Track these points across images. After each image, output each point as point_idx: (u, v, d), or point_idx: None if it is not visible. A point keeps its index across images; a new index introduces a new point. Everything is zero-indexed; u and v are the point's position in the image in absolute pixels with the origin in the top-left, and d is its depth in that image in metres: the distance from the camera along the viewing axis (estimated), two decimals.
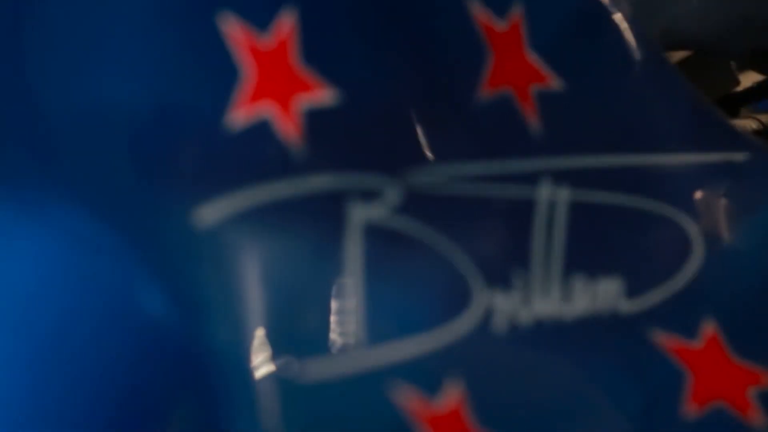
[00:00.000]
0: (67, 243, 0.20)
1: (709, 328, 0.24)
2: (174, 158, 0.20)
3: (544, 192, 0.23)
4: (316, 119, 0.21)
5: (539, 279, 0.23)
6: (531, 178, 0.23)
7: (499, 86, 0.24)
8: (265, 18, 0.21)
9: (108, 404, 0.19)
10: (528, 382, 0.22)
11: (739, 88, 0.48)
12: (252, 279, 0.20)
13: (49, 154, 0.20)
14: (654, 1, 0.37)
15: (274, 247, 0.20)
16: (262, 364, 0.20)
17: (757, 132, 0.47)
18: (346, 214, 0.21)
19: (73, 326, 0.19)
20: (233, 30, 0.21)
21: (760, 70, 0.47)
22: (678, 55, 0.42)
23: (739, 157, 0.26)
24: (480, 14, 0.24)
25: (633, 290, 0.23)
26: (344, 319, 0.20)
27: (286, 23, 0.21)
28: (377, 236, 0.21)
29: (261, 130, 0.20)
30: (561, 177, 0.24)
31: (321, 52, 0.21)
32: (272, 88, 0.21)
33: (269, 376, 0.20)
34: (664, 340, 0.23)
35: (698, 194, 0.25)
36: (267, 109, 0.21)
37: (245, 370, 0.20)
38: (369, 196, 0.21)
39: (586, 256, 0.23)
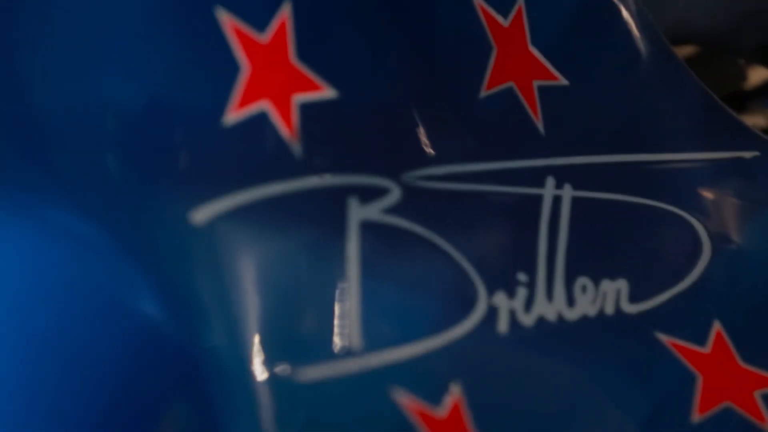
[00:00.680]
0: (61, 243, 0.19)
1: (717, 330, 0.23)
2: (169, 157, 0.20)
3: (549, 191, 0.23)
4: (314, 118, 0.21)
5: (543, 280, 0.22)
6: (535, 177, 0.23)
7: (502, 83, 0.24)
8: (263, 15, 0.21)
9: (103, 406, 0.19)
10: (531, 385, 0.22)
11: (748, 84, 0.48)
12: (249, 279, 0.20)
13: (42, 153, 0.20)
14: None
15: (271, 246, 0.20)
16: (259, 366, 0.19)
17: (766, 129, 0.47)
18: (346, 214, 0.21)
19: (67, 327, 0.19)
20: (230, 27, 0.20)
21: None
22: (685, 51, 0.42)
23: (748, 154, 0.26)
24: (484, 8, 0.24)
25: (640, 291, 0.23)
26: (343, 319, 0.20)
27: (284, 21, 0.21)
28: (377, 236, 0.21)
29: (258, 129, 0.20)
30: (565, 175, 0.23)
31: (319, 49, 0.21)
32: (270, 87, 0.20)
33: (267, 378, 0.19)
34: (673, 342, 0.23)
35: (707, 193, 0.25)
36: (264, 108, 0.20)
37: (242, 371, 0.19)
38: (369, 195, 0.21)
39: (590, 256, 0.23)
